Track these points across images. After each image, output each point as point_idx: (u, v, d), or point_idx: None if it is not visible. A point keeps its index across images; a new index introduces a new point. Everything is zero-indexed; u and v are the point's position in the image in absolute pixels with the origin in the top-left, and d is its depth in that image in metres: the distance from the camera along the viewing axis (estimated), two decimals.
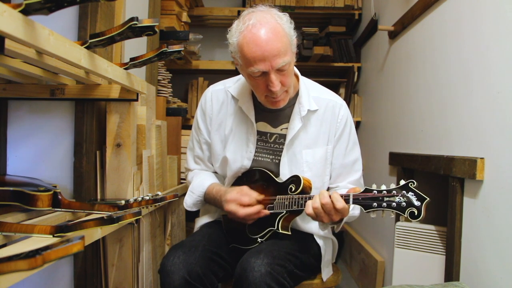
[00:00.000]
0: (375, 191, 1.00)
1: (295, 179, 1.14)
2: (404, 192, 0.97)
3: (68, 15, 1.27)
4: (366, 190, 1.01)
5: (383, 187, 1.00)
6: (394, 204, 0.97)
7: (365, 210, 1.01)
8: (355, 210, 1.21)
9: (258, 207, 1.14)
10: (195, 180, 1.34)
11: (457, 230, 1.29)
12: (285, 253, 1.12)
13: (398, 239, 1.74)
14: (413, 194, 0.97)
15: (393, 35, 2.11)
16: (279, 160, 1.24)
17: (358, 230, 2.80)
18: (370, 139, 2.62)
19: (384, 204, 0.98)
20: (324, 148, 1.26)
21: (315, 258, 1.26)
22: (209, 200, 1.31)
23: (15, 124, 1.30)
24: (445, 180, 1.37)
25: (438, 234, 1.60)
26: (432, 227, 1.63)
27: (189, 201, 1.32)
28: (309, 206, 1.05)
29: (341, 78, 3.13)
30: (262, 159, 1.26)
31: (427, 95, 1.65)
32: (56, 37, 0.73)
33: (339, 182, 1.30)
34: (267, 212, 1.16)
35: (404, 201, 0.97)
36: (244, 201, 1.13)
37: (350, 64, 2.95)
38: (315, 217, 1.06)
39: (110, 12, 1.40)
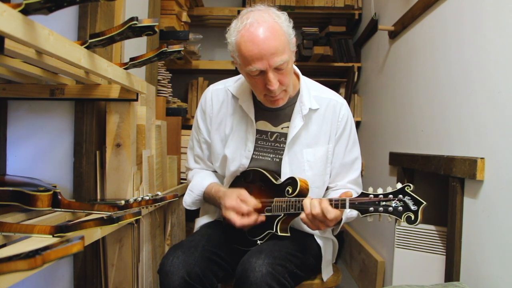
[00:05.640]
0: (371, 195, 0.99)
1: (292, 181, 1.13)
2: (400, 196, 0.96)
3: (68, 15, 1.27)
4: (363, 194, 1.00)
5: (380, 191, 0.99)
6: (390, 208, 0.96)
7: (361, 214, 1.00)
8: (353, 211, 1.21)
9: (254, 217, 1.14)
10: (194, 179, 1.34)
11: (457, 230, 1.29)
12: (286, 253, 1.11)
13: (398, 239, 1.74)
14: (409, 198, 0.95)
15: (393, 35, 2.11)
16: (280, 159, 1.24)
17: (358, 230, 2.80)
18: (370, 139, 2.62)
19: (381, 208, 0.97)
20: (325, 147, 1.26)
21: (315, 258, 1.25)
22: (208, 200, 1.31)
23: (15, 124, 1.30)
24: (445, 180, 1.37)
25: (438, 234, 1.60)
26: (432, 227, 1.63)
27: (188, 200, 1.33)
28: (302, 215, 1.06)
29: (341, 78, 3.13)
30: (263, 158, 1.26)
31: (427, 95, 1.65)
32: (56, 37, 0.72)
33: (338, 181, 1.30)
34: (263, 218, 1.16)
35: (401, 206, 0.96)
36: (243, 211, 1.13)
37: (350, 64, 2.95)
38: (311, 225, 1.06)
39: (110, 12, 1.40)
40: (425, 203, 0.94)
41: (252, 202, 1.15)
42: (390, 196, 0.97)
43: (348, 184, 1.29)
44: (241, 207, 1.13)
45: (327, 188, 1.31)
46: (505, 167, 1.07)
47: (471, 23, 1.30)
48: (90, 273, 1.32)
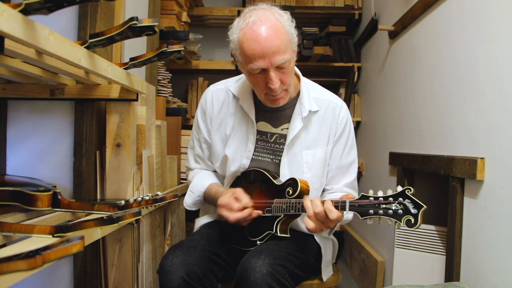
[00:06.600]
0: (372, 198, 0.99)
1: (292, 182, 1.13)
2: (400, 199, 0.96)
3: (68, 15, 1.27)
4: (363, 197, 1.00)
5: (380, 193, 0.99)
6: (390, 211, 0.96)
7: (361, 217, 1.00)
8: (348, 214, 1.21)
9: (247, 211, 1.14)
10: (195, 180, 1.34)
11: (457, 230, 1.29)
12: (286, 253, 1.11)
13: (398, 239, 1.74)
14: (410, 201, 0.95)
15: (393, 35, 2.11)
16: (279, 160, 1.24)
17: (358, 230, 2.80)
18: (370, 139, 2.62)
19: (381, 211, 0.97)
20: (324, 149, 1.25)
21: (315, 258, 1.25)
22: (208, 200, 1.31)
23: (15, 124, 1.30)
24: (446, 180, 1.37)
25: (438, 234, 1.60)
26: (432, 227, 1.63)
27: (189, 201, 1.33)
28: (306, 218, 1.05)
29: (341, 78, 3.13)
30: (262, 158, 1.26)
31: (427, 95, 1.65)
32: (56, 37, 0.72)
33: (334, 184, 1.29)
34: (259, 212, 1.15)
35: (401, 209, 0.95)
36: (233, 207, 1.13)
37: (350, 64, 2.95)
38: (315, 225, 1.05)
39: (110, 12, 1.40)
40: (425, 206, 0.94)
41: (245, 199, 1.14)
42: (390, 199, 0.97)
43: (344, 188, 1.29)
44: (232, 204, 1.13)
45: (323, 191, 1.31)
46: (505, 167, 1.07)
47: (470, 24, 1.30)
48: (90, 273, 1.32)
